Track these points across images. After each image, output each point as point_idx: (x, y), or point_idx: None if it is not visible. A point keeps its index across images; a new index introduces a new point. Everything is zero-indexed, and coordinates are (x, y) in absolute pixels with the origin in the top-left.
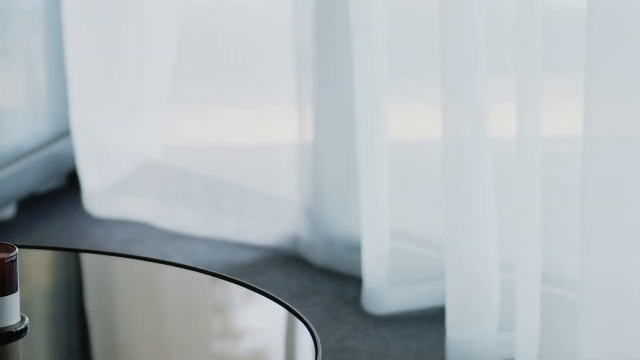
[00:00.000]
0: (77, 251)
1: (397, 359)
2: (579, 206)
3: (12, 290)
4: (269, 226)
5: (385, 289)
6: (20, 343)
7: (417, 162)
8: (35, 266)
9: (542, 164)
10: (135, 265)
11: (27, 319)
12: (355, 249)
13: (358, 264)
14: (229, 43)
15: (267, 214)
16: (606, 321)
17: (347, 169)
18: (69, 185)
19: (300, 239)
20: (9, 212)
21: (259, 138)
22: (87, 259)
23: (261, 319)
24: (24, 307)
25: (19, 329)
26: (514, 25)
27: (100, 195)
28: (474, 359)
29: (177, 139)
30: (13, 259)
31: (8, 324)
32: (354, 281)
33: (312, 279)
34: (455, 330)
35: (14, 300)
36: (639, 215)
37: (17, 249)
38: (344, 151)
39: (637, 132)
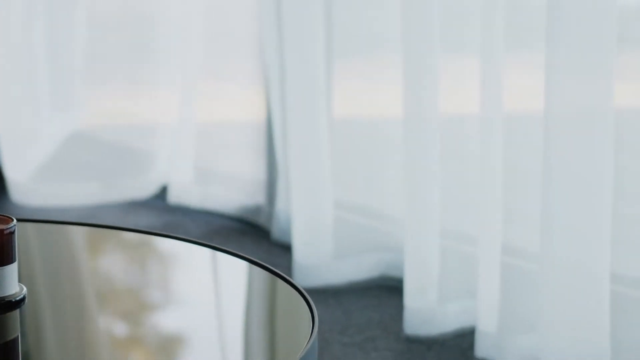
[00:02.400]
0: (73, 224)
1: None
2: (540, 183)
3: (10, 260)
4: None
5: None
6: (19, 312)
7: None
8: (32, 238)
9: (504, 141)
10: (128, 237)
11: (25, 288)
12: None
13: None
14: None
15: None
16: (565, 294)
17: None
18: None
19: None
20: None
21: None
22: (81, 232)
23: (251, 288)
24: (22, 278)
25: (18, 298)
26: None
27: (24, 184)
28: (432, 326)
29: (97, 116)
30: (12, 230)
31: (7, 294)
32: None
33: (267, 250)
34: (413, 299)
35: (12, 270)
36: (598, 192)
37: (15, 221)
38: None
39: (598, 109)
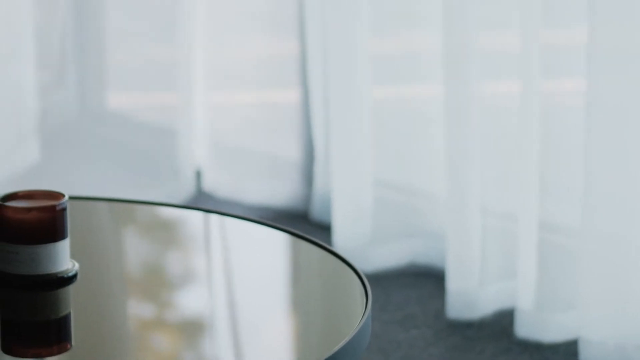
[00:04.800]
0: (125, 202)
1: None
2: (582, 158)
3: (62, 236)
4: None
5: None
6: (71, 288)
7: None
8: (83, 215)
9: (544, 117)
10: (183, 214)
11: (77, 264)
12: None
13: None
14: None
15: None
16: (606, 269)
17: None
18: None
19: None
20: None
21: None
22: (133, 209)
23: (309, 266)
24: (74, 254)
25: (70, 274)
26: None
27: None
28: (474, 309)
29: None
30: (63, 206)
31: (60, 270)
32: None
33: (307, 232)
34: (455, 282)
35: (64, 246)
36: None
37: (66, 196)
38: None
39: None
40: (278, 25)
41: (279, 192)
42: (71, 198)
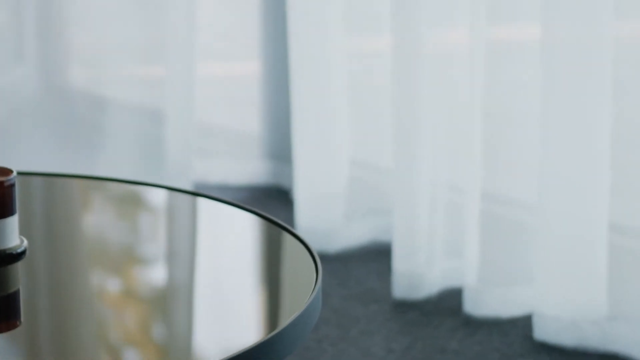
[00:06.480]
0: (77, 177)
1: None
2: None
3: (11, 212)
4: None
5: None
6: (20, 264)
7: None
8: (33, 191)
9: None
10: (129, 189)
11: (25, 241)
12: None
13: None
14: None
15: None
16: (561, 246)
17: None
18: None
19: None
20: None
21: None
22: (81, 184)
23: (266, 244)
24: (23, 230)
25: (18, 250)
26: None
27: None
28: (420, 289)
29: None
30: (12, 182)
31: (8, 246)
32: None
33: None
34: (401, 261)
35: (13, 223)
36: (596, 139)
37: (15, 172)
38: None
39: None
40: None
41: (247, 168)
42: (20, 174)
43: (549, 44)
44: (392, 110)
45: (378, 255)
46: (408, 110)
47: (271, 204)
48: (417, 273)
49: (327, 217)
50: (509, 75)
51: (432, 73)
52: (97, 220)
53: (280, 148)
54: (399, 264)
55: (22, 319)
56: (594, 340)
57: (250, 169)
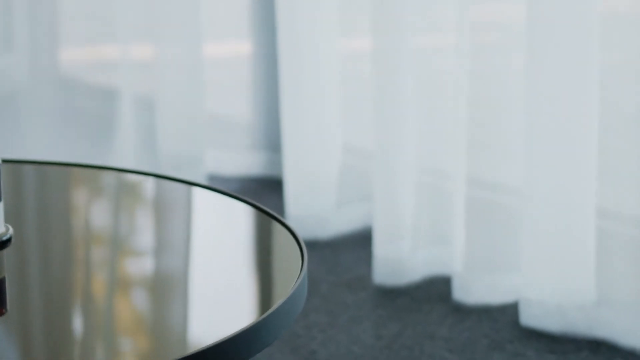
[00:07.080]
0: (61, 165)
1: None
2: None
3: None
4: None
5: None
6: (5, 252)
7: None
8: (19, 179)
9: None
10: (120, 178)
11: (11, 228)
12: None
13: None
14: None
15: None
16: (548, 231)
17: None
18: None
19: None
20: None
21: None
22: (71, 172)
23: (255, 232)
24: (8, 218)
25: (4, 238)
26: None
27: None
28: (401, 276)
29: None
30: None
31: None
32: None
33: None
34: (382, 247)
35: None
36: (584, 123)
37: (0, 160)
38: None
39: (580, 47)
40: None
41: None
42: (4, 161)
43: (534, 26)
44: (374, 95)
45: (369, 242)
46: (391, 95)
47: (264, 193)
48: (399, 259)
49: (318, 204)
50: (494, 59)
51: (417, 57)
52: (86, 208)
53: (275, 137)
54: (380, 249)
55: (8, 307)
56: (581, 326)
57: (242, 159)
